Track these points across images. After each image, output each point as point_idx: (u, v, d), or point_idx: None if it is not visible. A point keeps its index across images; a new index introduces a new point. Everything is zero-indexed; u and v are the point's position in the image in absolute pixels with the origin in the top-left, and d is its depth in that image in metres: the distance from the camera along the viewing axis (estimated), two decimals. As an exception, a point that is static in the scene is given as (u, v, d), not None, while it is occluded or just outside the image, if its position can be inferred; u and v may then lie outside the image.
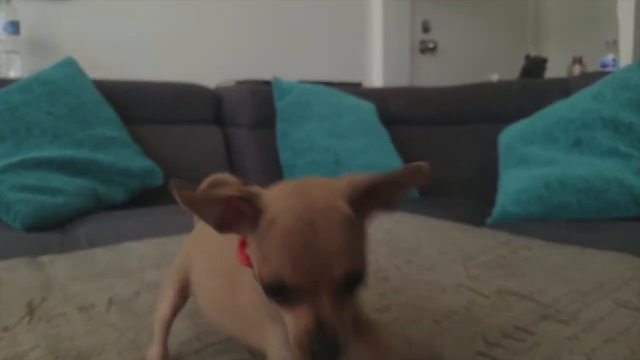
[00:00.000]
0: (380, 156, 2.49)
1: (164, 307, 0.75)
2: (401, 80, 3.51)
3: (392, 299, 0.96)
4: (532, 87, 2.43)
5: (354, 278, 0.46)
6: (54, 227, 1.71)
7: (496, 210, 1.89)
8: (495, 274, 1.06)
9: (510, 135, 2.13)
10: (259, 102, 2.49)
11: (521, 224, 1.73)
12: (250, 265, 0.51)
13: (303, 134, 2.42)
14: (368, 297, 0.96)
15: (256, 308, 0.55)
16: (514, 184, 1.93)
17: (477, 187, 2.24)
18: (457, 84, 2.72)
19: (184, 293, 0.74)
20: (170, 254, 1.27)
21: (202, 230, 0.74)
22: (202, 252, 0.72)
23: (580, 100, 1.99)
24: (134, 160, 2.10)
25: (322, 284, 0.44)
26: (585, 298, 0.92)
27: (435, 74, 3.68)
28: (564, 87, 2.23)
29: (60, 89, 2.07)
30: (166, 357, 0.76)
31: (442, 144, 2.63)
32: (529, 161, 1.98)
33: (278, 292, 0.45)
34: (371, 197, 0.48)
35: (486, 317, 0.87)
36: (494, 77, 3.17)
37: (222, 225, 0.49)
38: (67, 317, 0.93)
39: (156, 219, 1.79)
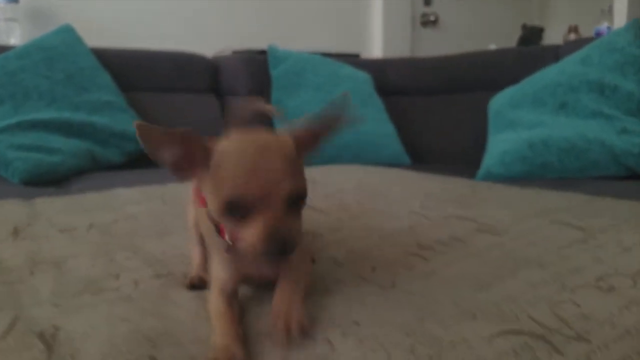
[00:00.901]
0: (374, 125, 2.53)
1: (189, 216, 0.85)
2: (401, 52, 3.53)
3: (347, 222, 1.03)
4: (526, 55, 2.45)
5: (298, 196, 0.56)
6: (50, 183, 1.77)
7: (480, 172, 1.92)
8: (448, 205, 1.12)
9: (500, 101, 2.16)
10: (255, 70, 2.54)
11: (506, 184, 1.75)
12: (205, 205, 0.61)
13: (297, 102, 2.46)
14: (325, 221, 1.02)
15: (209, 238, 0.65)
16: (499, 146, 1.96)
17: (473, 155, 2.27)
18: (454, 53, 2.74)
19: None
20: (154, 196, 1.32)
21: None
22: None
23: (568, 64, 2.01)
24: (130, 124, 2.14)
25: (273, 199, 0.54)
26: (525, 219, 0.98)
27: (436, 47, 3.69)
28: (556, 54, 2.25)
29: (58, 55, 2.12)
30: (205, 254, 0.81)
31: (438, 113, 2.66)
32: (516, 125, 2.01)
33: (235, 210, 0.55)
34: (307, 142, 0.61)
35: (426, 232, 0.93)
36: (492, 47, 3.18)
37: (178, 169, 0.58)
38: (49, 237, 0.99)
39: (150, 178, 1.83)
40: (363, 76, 2.67)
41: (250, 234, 0.55)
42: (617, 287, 0.62)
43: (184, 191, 1.35)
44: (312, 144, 0.63)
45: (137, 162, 2.13)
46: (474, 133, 2.38)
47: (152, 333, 0.60)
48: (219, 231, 0.63)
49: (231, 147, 0.58)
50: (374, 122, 2.54)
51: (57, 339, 0.59)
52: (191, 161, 0.58)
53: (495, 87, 2.25)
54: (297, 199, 0.57)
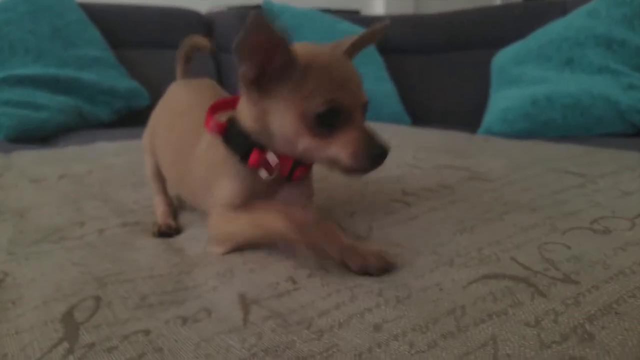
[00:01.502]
0: (374, 83, 2.45)
1: (147, 167, 0.85)
2: (404, 9, 3.41)
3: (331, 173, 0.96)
4: (532, 9, 2.35)
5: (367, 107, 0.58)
6: (37, 141, 1.72)
7: (480, 130, 1.85)
8: (441, 156, 1.07)
9: (504, 58, 2.08)
10: (250, 27, 2.45)
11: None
12: (220, 131, 0.61)
13: (295, 60, 2.39)
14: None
15: (212, 170, 0.64)
16: (501, 103, 1.89)
17: (474, 115, 2.19)
18: (458, 9, 2.64)
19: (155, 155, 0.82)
20: (135, 149, 1.27)
21: (163, 107, 0.84)
22: (162, 127, 0.79)
23: (575, 18, 1.92)
24: (118, 80, 2.08)
25: (358, 110, 0.56)
26: (521, 168, 0.92)
27: (441, 3, 3.56)
28: (563, 8, 2.15)
29: (44, 8, 2.04)
30: (169, 202, 0.82)
31: (440, 72, 2.57)
32: (519, 81, 1.94)
33: (325, 121, 0.54)
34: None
35: (414, 180, 0.88)
36: (497, 2, 3.07)
37: (260, 73, 0.55)
38: (18, 186, 0.94)
39: (139, 135, 1.78)
40: (362, 33, 2.58)
41: (346, 141, 0.54)
42: (613, 229, 0.57)
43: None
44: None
45: (127, 120, 2.08)
46: (477, 92, 2.30)
47: (103, 274, 0.56)
48: (246, 159, 0.60)
49: (318, 57, 0.55)
50: (374, 80, 2.46)
51: (2, 286, 0.55)
52: (272, 70, 0.55)
53: (499, 43, 2.16)
54: (366, 110, 0.58)
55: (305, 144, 0.56)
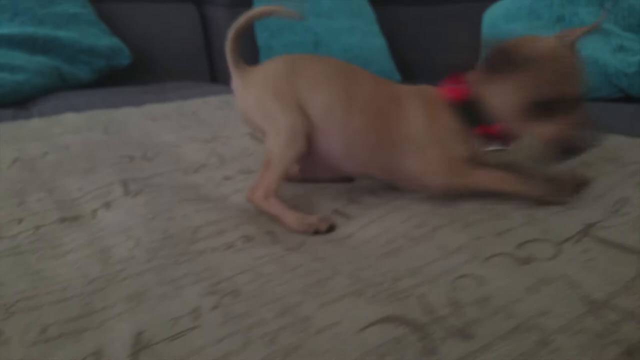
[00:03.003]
0: (363, 37, 2.38)
1: (295, 150, 0.75)
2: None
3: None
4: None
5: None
6: (13, 104, 1.69)
7: (466, 91, 1.80)
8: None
9: (494, 13, 2.00)
10: (236, -22, 2.36)
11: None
12: (462, 99, 0.70)
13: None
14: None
15: (434, 133, 0.72)
16: (489, 64, 1.83)
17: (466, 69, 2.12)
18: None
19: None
20: (98, 123, 1.24)
21: (311, 80, 0.76)
22: (328, 94, 0.75)
23: (569, -27, 1.83)
24: (99, 38, 2.03)
25: (576, 101, 0.62)
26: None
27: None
28: (559, -40, 2.04)
29: (19, -38, 1.97)
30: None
31: (433, 25, 2.49)
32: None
33: (543, 107, 0.62)
34: None
35: (366, 183, 0.84)
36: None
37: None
38: (-37, 174, 0.92)
39: (119, 98, 1.75)
40: (353, -16, 2.48)
41: (554, 129, 0.62)
42: (535, 258, 0.54)
43: (131, 118, 1.28)
44: None
45: (108, 80, 2.04)
46: (470, 47, 2.21)
47: (14, 299, 0.55)
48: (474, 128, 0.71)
49: (550, 49, 0.62)
50: (364, 35, 2.39)
51: None
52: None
53: (487, -1, 2.07)
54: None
55: (519, 121, 0.65)
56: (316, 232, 0.67)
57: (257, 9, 0.86)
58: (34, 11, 1.93)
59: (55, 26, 1.95)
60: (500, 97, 0.65)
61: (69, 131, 1.17)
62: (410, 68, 2.38)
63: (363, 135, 0.74)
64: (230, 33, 0.86)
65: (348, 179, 0.84)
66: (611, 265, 0.51)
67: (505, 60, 0.62)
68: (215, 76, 2.31)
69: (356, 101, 0.74)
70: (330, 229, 0.67)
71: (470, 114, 0.70)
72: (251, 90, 0.80)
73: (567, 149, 0.62)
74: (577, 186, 0.70)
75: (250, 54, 2.24)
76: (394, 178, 0.77)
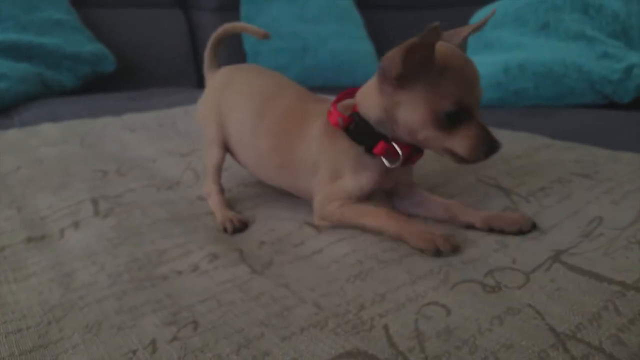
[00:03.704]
0: (351, 43, 2.37)
1: (213, 159, 0.83)
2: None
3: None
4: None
5: None
6: (-3, 112, 1.67)
7: (454, 99, 1.80)
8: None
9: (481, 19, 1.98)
10: (223, -17, 2.35)
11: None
12: (346, 122, 0.67)
13: (268, 19, 2.30)
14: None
15: (331, 158, 0.70)
16: (476, 70, 1.82)
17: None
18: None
19: (225, 147, 0.83)
20: (75, 135, 1.23)
21: (232, 92, 0.82)
22: (240, 115, 0.79)
23: (555, -21, 1.83)
24: (83, 44, 2.01)
25: (477, 106, 0.63)
26: (451, 174, 0.87)
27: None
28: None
29: (2, -31, 1.95)
30: (222, 191, 0.83)
31: (418, 29, 2.46)
32: (494, 46, 1.86)
33: (452, 117, 0.61)
34: None
35: None
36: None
37: (405, 71, 0.59)
38: None
39: (102, 104, 1.74)
40: (341, -11, 2.47)
41: (466, 136, 0.62)
42: (503, 286, 0.52)
43: (109, 129, 1.26)
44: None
45: (93, 86, 2.02)
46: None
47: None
48: (370, 149, 0.67)
49: (451, 55, 0.61)
50: (351, 39, 2.38)
51: None
52: (413, 69, 0.59)
53: (477, 3, 2.06)
54: None
55: (426, 134, 0.63)
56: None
57: (232, 24, 0.90)
58: (17, 18, 1.92)
59: (39, 33, 1.93)
60: (409, 110, 0.63)
61: (45, 143, 1.15)
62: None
63: (267, 157, 0.76)
64: (209, 42, 0.91)
65: None
66: (579, 294, 0.50)
67: (411, 69, 0.59)
68: (202, 81, 2.29)
69: (265, 122, 0.76)
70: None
71: (363, 135, 0.67)
72: (200, 99, 0.88)
73: (488, 149, 0.62)
74: (451, 246, 0.61)
75: (238, 59, 2.23)
76: (308, 197, 0.76)
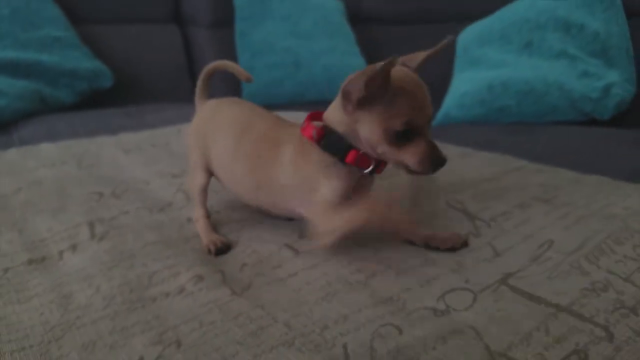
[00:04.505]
0: (343, 57, 2.43)
1: (197, 182, 0.91)
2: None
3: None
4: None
5: None
6: (-4, 129, 1.73)
7: (440, 114, 1.87)
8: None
9: (468, 37, 2.05)
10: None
11: (462, 127, 1.71)
12: (319, 134, 0.74)
13: (262, 34, 2.36)
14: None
15: (307, 175, 0.75)
16: (461, 87, 1.89)
17: (443, 93, 2.18)
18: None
19: (209, 171, 0.91)
20: (72, 156, 1.29)
21: (216, 121, 0.89)
22: (222, 141, 0.86)
23: (538, -2, 1.89)
24: (81, 61, 2.07)
25: (428, 125, 0.70)
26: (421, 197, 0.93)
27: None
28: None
29: (2, -12, 2.01)
30: (208, 215, 0.90)
31: (412, 45, 2.49)
32: (480, 63, 1.93)
33: (404, 135, 0.68)
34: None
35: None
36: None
37: (365, 96, 0.67)
38: None
39: (99, 121, 1.80)
40: (333, 5, 2.54)
41: (416, 151, 0.69)
42: (452, 310, 0.59)
43: (105, 150, 1.32)
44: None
45: (90, 102, 2.08)
46: (447, 68, 2.28)
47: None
48: (344, 159, 0.73)
49: (404, 80, 0.68)
50: (343, 55, 2.44)
51: None
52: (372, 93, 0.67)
53: (473, 17, 2.12)
54: None
55: (383, 149, 0.70)
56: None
57: (223, 62, 0.98)
58: (16, 35, 1.98)
59: (38, 50, 1.99)
60: (367, 128, 0.70)
61: (43, 164, 1.22)
62: (388, 87, 2.43)
63: (245, 179, 0.83)
64: (201, 75, 0.99)
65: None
66: (517, 316, 0.56)
67: (368, 92, 0.66)
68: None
69: (242, 147, 0.83)
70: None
71: (335, 146, 0.74)
72: (189, 126, 0.96)
73: (435, 164, 0.69)
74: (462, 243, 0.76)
75: (232, 75, 2.29)
76: (290, 215, 0.84)
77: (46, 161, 1.24)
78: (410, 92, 0.68)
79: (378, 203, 0.74)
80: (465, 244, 0.75)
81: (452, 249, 0.74)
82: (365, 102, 0.68)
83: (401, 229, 0.76)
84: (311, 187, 0.75)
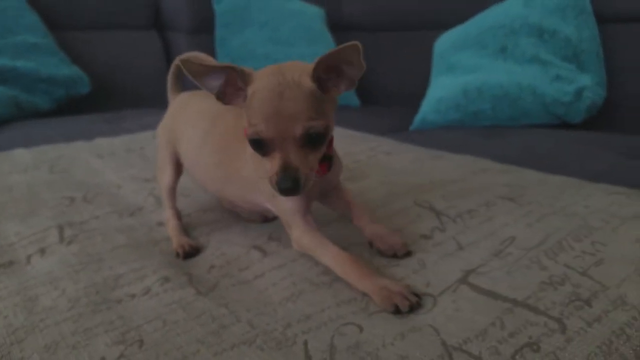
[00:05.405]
0: (323, 64, 2.44)
1: (165, 179, 0.91)
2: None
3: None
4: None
5: (314, 136, 0.62)
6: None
7: (417, 119, 1.89)
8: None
9: (444, 43, 2.08)
10: (198, 6, 2.42)
11: (438, 131, 1.74)
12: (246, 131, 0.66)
13: (242, 41, 2.37)
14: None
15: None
16: (437, 92, 1.91)
17: (419, 97, 2.20)
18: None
19: (178, 166, 0.91)
20: (45, 162, 1.29)
21: (186, 114, 0.89)
22: (191, 132, 0.85)
23: (512, 5, 1.92)
24: (59, 68, 2.07)
25: (288, 139, 0.61)
26: (393, 196, 0.95)
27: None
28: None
29: (-23, -6, 2.01)
30: (178, 216, 0.90)
31: (391, 52, 2.56)
32: (456, 69, 1.95)
33: (258, 145, 0.63)
34: (333, 75, 0.65)
35: None
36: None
37: (221, 96, 0.66)
38: None
39: (75, 127, 1.79)
40: (313, 11, 2.55)
41: (269, 166, 0.63)
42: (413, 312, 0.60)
43: (79, 155, 1.32)
44: (337, 80, 0.66)
45: (68, 108, 2.08)
46: (424, 73, 2.30)
47: None
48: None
49: (260, 84, 0.62)
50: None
51: None
52: (234, 92, 0.65)
53: (448, 24, 2.14)
54: (313, 138, 0.62)
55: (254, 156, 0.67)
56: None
57: (189, 54, 0.93)
58: (-8, 42, 1.96)
59: (14, 56, 1.99)
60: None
61: (16, 170, 1.21)
62: (369, 92, 2.45)
63: (213, 171, 0.83)
64: (171, 69, 1.00)
65: (265, 219, 0.90)
66: (474, 313, 0.57)
67: (227, 92, 0.65)
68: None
69: (210, 140, 0.82)
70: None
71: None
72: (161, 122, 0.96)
73: (279, 188, 0.61)
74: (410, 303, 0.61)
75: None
76: (259, 209, 0.82)
77: (19, 167, 1.24)
78: (263, 98, 0.61)
79: (360, 267, 0.66)
80: (408, 254, 0.72)
81: (395, 256, 0.72)
82: (222, 99, 0.66)
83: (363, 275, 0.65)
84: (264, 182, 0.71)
